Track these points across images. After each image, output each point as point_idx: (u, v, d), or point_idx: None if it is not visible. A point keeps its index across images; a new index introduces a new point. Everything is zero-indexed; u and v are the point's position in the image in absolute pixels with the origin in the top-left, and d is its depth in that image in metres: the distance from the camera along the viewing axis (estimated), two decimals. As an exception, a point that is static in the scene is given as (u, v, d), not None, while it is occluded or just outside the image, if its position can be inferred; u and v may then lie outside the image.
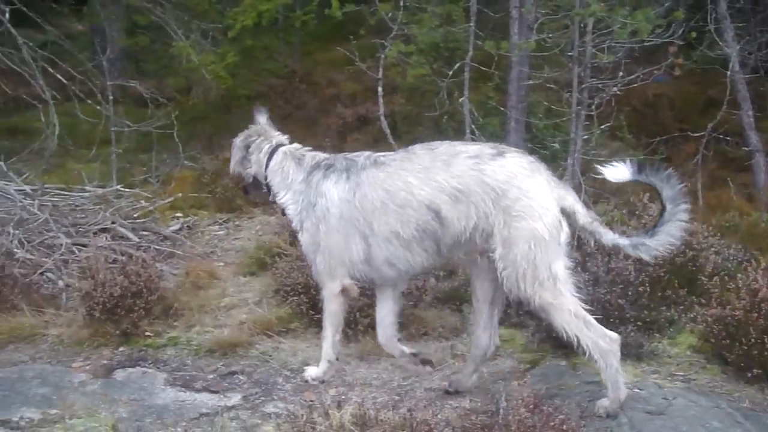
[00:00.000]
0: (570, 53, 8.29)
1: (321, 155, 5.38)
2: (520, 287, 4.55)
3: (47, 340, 6.09)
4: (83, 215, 8.80)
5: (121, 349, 5.97)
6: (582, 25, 8.17)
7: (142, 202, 9.16)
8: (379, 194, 4.85)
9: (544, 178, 4.63)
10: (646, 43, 8.05)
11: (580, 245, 6.82)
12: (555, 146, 9.15)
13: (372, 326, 5.72)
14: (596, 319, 4.65)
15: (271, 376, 5.54)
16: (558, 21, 8.64)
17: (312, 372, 5.41)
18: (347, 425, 4.20)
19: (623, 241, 4.59)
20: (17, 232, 7.90)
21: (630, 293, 5.73)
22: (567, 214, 4.59)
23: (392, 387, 5.33)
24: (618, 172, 4.62)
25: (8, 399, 5.13)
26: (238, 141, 5.61)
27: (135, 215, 8.54)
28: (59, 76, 10.56)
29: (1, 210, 8.77)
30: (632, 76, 8.31)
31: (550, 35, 8.59)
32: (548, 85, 9.11)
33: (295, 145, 5.52)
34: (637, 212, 6.88)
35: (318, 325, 5.97)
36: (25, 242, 7.77)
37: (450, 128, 10.15)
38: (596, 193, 8.52)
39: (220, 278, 7.18)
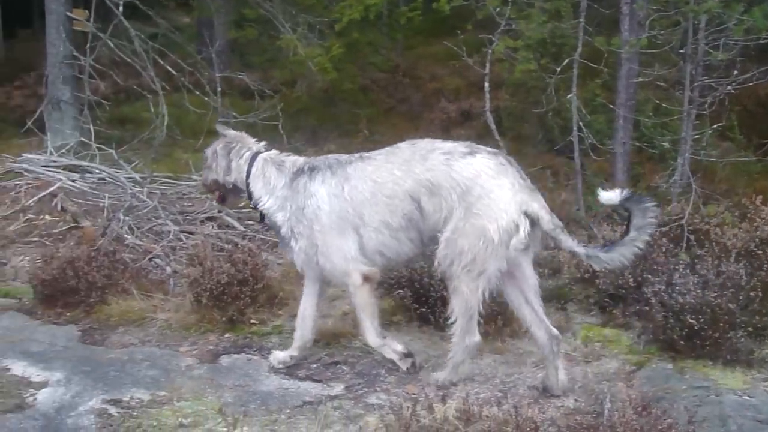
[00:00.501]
0: (682, 51, 8.10)
1: (300, 159, 5.47)
2: (451, 267, 4.88)
3: (156, 324, 6.24)
4: (190, 203, 9.01)
5: (226, 335, 6.07)
6: (695, 22, 7.95)
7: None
8: (369, 185, 5.08)
9: (508, 181, 4.83)
10: (761, 41, 7.76)
11: (689, 247, 6.66)
12: (664, 145, 8.95)
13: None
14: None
15: (374, 368, 5.53)
16: (669, 17, 8.43)
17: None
18: (451, 419, 4.17)
19: (579, 249, 4.84)
20: (127, 218, 8.14)
21: (741, 298, 5.53)
22: (531, 219, 4.78)
23: (495, 383, 5.26)
24: (610, 195, 4.79)
25: (119, 379, 5.30)
26: (219, 149, 5.58)
27: (240, 205, 8.62)
28: (169, 68, 10.84)
29: (112, 197, 9.07)
30: (747, 75, 8.04)
31: (662, 32, 8.39)
32: (658, 83, 8.92)
33: (274, 151, 5.60)
34: (749, 215, 6.65)
35: (422, 318, 6.03)
36: (135, 228, 8.00)
37: (556, 125, 10.01)
38: (706, 194, 8.28)
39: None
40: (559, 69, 8.72)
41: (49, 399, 5.03)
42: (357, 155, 5.32)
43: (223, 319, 6.09)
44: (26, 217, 8.87)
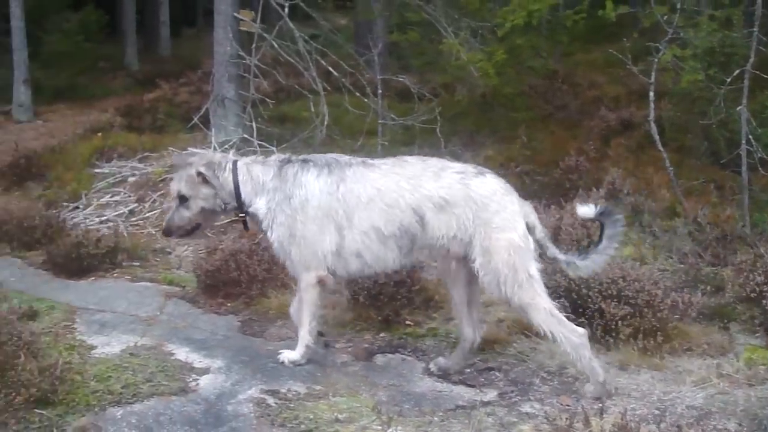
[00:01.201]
0: None
1: (283, 155, 5.58)
2: (501, 290, 5.08)
3: (313, 320, 6.34)
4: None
5: (381, 334, 6.12)
6: None
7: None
8: (368, 191, 5.19)
9: (515, 197, 5.25)
10: None
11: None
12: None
13: (633, 336, 5.52)
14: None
15: (528, 376, 5.47)
16: None
17: (289, 355, 5.56)
18: (608, 434, 4.05)
19: (560, 256, 5.30)
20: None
21: None
22: (529, 228, 5.17)
23: (652, 400, 5.08)
24: (585, 210, 5.34)
25: (277, 371, 5.44)
26: (204, 170, 5.36)
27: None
28: (330, 68, 11.03)
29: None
30: None
31: (843, 42, 7.93)
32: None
33: (246, 158, 5.66)
34: None
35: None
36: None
37: (722, 137, 9.60)
38: None
39: (478, 274, 7.13)
40: (729, 80, 8.35)
41: (210, 385, 5.22)
42: (359, 159, 5.43)
43: (379, 318, 6.15)
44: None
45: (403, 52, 15.01)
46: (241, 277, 6.82)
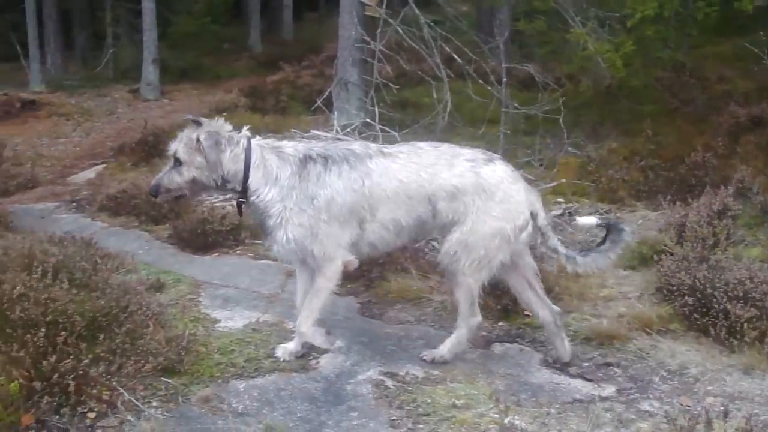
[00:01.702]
0: None
1: (300, 145, 5.26)
2: (458, 263, 5.11)
3: (431, 305, 6.40)
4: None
5: (500, 323, 6.11)
6: None
7: (525, 183, 9.11)
8: (393, 184, 5.07)
9: (522, 185, 5.25)
10: None
11: None
12: None
13: (759, 339, 5.36)
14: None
15: (647, 374, 5.35)
16: None
17: (288, 347, 5.39)
18: (730, 438, 3.96)
19: (561, 249, 5.36)
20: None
21: None
22: (532, 216, 5.21)
23: (776, 406, 4.90)
24: (586, 220, 5.85)
25: (395, 354, 5.50)
26: (203, 138, 4.94)
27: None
28: (454, 55, 11.02)
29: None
30: None
31: None
32: None
33: (259, 137, 5.30)
34: None
35: (701, 329, 5.75)
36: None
37: None
38: None
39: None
40: None
41: (330, 364, 5.32)
42: (374, 147, 5.28)
43: (498, 307, 6.12)
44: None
45: (527, 40, 14.87)
46: (362, 260, 6.90)
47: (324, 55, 18.25)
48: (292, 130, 12.03)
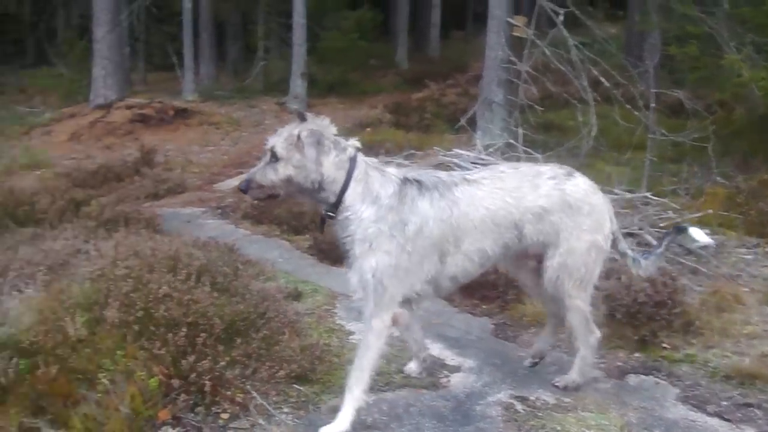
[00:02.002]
0: None
1: (399, 169, 4.88)
2: (564, 287, 5.00)
3: (566, 331, 6.22)
4: (610, 217, 8.94)
5: (636, 354, 5.95)
6: None
7: (670, 212, 8.88)
8: (480, 212, 4.77)
9: (602, 195, 5.16)
10: None
11: None
12: None
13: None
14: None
15: (791, 418, 5.11)
16: None
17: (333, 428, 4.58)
18: None
19: (629, 252, 5.37)
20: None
21: None
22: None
23: None
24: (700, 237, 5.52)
25: (527, 378, 5.47)
26: (304, 136, 4.44)
27: (661, 225, 8.36)
28: (601, 78, 10.88)
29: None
30: None
31: None
32: None
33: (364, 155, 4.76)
34: None
35: None
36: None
37: None
38: None
39: (745, 304, 6.76)
40: None
41: (461, 383, 5.35)
42: (458, 176, 4.94)
43: (635, 338, 5.99)
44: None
45: (678, 65, 14.46)
46: (499, 281, 6.93)
47: (470, 74, 18.35)
48: (435, 148, 12.15)
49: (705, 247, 5.85)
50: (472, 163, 10.72)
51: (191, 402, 4.67)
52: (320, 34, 22.89)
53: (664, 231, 5.54)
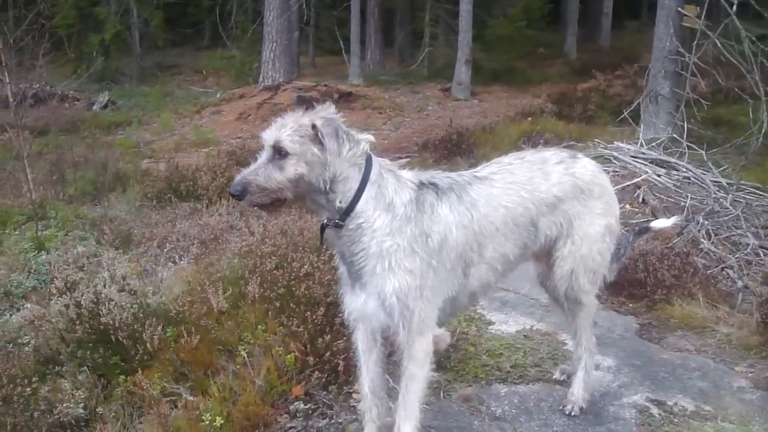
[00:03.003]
0: None
1: (411, 171, 4.07)
2: (579, 281, 4.51)
3: (715, 336, 6.02)
4: (776, 220, 8.51)
5: (791, 365, 5.62)
6: None
7: None
8: (500, 213, 4.17)
9: (607, 176, 4.72)
10: None
11: None
12: None
13: None
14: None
15: None
16: None
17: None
18: None
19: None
20: (707, 222, 7.99)
21: None
22: None
23: None
24: (661, 223, 5.29)
25: (667, 382, 5.26)
26: (321, 125, 3.68)
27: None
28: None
29: (695, 198, 8.96)
30: None
31: None
32: None
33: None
34: None
35: None
36: (712, 234, 7.81)
37: None
38: None
39: None
40: None
41: (597, 382, 5.17)
42: (468, 174, 4.28)
43: (792, 347, 5.66)
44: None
45: None
46: (648, 280, 6.69)
47: (638, 65, 17.76)
48: (596, 140, 11.88)
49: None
50: (632, 157, 10.42)
51: (324, 380, 4.79)
52: (487, 21, 22.79)
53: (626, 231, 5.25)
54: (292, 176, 3.67)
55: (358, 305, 3.90)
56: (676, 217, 5.56)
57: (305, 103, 3.89)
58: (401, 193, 3.84)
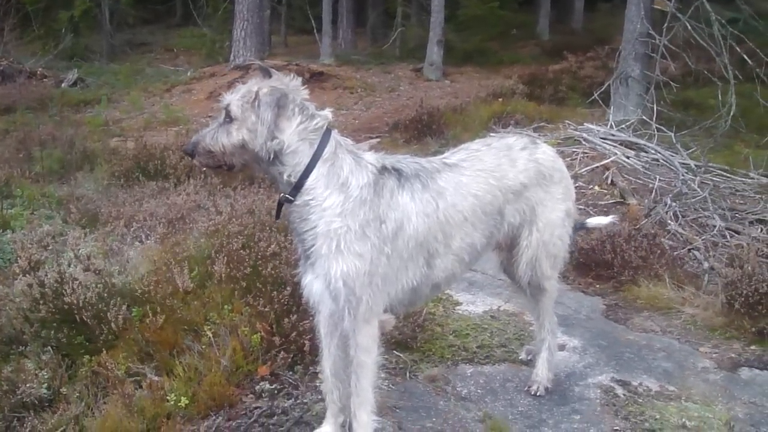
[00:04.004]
0: None
1: (376, 154, 3.96)
2: (540, 267, 4.52)
3: (680, 317, 6.08)
4: (742, 201, 8.59)
5: (752, 347, 5.65)
6: None
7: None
8: (469, 202, 4.08)
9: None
10: None
11: None
12: None
13: None
14: None
15: None
16: None
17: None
18: None
19: None
20: (674, 204, 8.03)
21: None
22: None
23: None
24: (598, 221, 5.47)
25: (632, 363, 5.30)
26: (263, 94, 3.61)
27: (796, 212, 7.96)
28: (745, 56, 10.39)
29: (663, 179, 9.01)
30: None
31: None
32: None
33: (337, 131, 3.90)
34: None
35: None
36: (680, 216, 7.86)
37: None
38: None
39: None
40: None
41: (562, 362, 5.22)
42: (438, 161, 4.18)
43: (753, 329, 5.70)
44: (576, 184, 9.18)
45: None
46: (615, 261, 6.74)
47: (609, 47, 17.83)
48: (566, 121, 11.91)
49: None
50: (602, 138, 10.45)
51: (290, 360, 4.76)
52: (460, 1, 22.74)
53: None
54: (235, 142, 3.65)
55: (307, 287, 3.82)
56: (612, 216, 5.52)
57: (264, 72, 3.81)
58: (358, 175, 3.73)
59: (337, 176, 3.69)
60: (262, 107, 3.58)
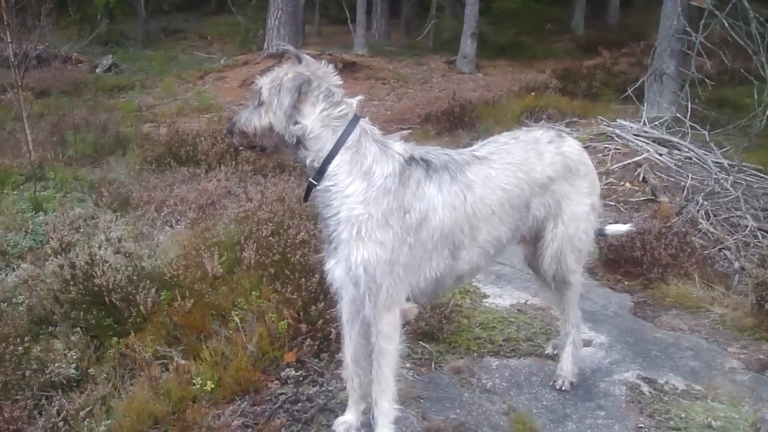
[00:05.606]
0: None
1: (405, 144, 3.94)
2: (566, 261, 4.51)
3: (709, 317, 6.02)
4: (776, 202, 8.50)
5: (784, 347, 5.62)
6: None
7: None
8: (498, 195, 4.10)
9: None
10: None
11: None
12: None
13: None
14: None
15: None
16: None
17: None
18: None
19: None
20: (706, 203, 7.97)
21: None
22: None
23: None
24: (617, 228, 5.32)
25: (659, 360, 5.26)
26: (286, 80, 3.65)
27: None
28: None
29: (695, 178, 8.93)
30: None
31: None
32: None
33: (367, 120, 3.89)
34: None
35: None
36: (711, 215, 7.80)
37: None
38: None
39: None
40: None
41: (589, 358, 5.19)
42: (468, 153, 4.18)
43: (785, 330, 5.66)
44: (608, 180, 9.17)
45: None
46: (644, 258, 6.70)
47: (644, 43, 17.63)
48: (599, 117, 11.84)
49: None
50: (635, 135, 10.37)
51: (316, 347, 4.79)
52: (494, -6, 22.67)
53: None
54: (264, 124, 3.71)
55: (330, 272, 3.84)
56: (630, 224, 5.49)
57: (297, 58, 3.82)
58: (383, 164, 3.74)
59: (360, 164, 3.71)
60: (282, 92, 3.62)
